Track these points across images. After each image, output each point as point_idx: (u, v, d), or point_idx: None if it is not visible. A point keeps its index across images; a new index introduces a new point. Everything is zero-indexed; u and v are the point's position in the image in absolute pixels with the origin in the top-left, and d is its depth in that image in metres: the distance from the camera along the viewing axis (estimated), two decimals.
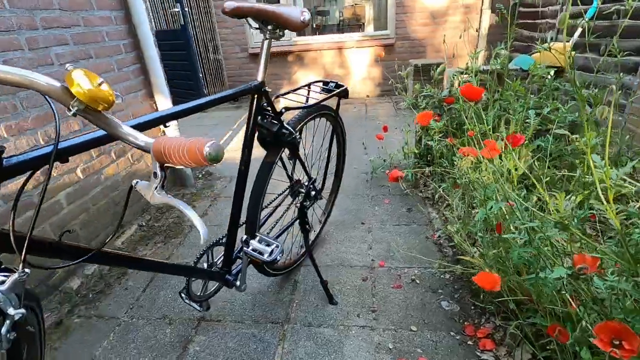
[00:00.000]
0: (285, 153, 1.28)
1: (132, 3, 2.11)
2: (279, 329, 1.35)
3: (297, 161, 1.32)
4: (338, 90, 1.38)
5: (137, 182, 0.60)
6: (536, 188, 1.53)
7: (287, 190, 1.43)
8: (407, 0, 4.29)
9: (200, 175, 2.78)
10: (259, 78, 1.01)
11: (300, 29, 0.99)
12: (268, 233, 1.47)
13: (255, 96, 1.02)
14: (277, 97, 1.24)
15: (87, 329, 1.43)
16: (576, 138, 1.61)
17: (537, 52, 2.16)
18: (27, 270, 0.56)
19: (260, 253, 1.06)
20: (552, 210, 0.87)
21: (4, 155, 0.54)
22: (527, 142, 1.49)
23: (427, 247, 1.74)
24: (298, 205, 1.40)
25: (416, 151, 2.37)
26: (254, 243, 1.09)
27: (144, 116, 0.75)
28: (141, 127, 0.73)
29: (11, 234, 0.56)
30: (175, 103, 3.61)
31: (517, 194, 1.12)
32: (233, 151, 3.27)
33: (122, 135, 0.55)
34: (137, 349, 1.32)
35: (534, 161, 1.56)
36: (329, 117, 1.48)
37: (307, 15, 1.00)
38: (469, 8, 4.27)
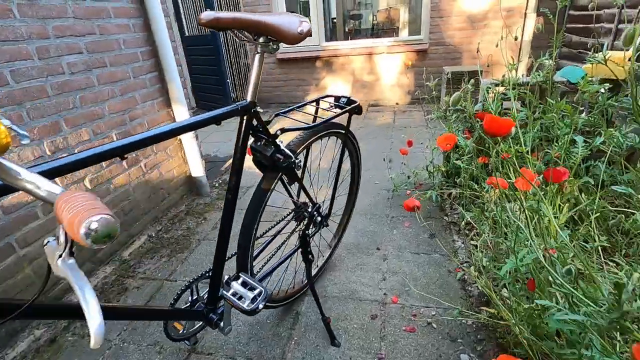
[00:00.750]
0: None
1: (152, 10, 2.08)
2: None
3: (299, 185, 1.19)
4: (349, 107, 1.22)
5: (48, 241, 0.49)
6: (581, 226, 1.29)
7: (290, 215, 1.30)
8: (443, 3, 4.04)
9: (216, 185, 2.72)
10: (248, 97, 0.89)
11: (298, 42, 0.85)
12: (268, 260, 1.35)
13: (245, 118, 0.89)
14: (278, 115, 1.11)
15: (78, 349, 1.38)
16: (635, 168, 1.35)
17: (589, 62, 1.89)
18: None
19: (241, 298, 0.93)
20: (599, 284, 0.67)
21: None
22: (571, 175, 1.26)
23: (448, 284, 1.54)
24: (300, 233, 1.26)
25: (443, 169, 2.16)
26: (235, 285, 0.96)
27: (93, 149, 0.64)
28: (87, 162, 0.62)
29: None
30: (202, 108, 3.60)
31: (555, 241, 0.92)
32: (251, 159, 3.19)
33: (23, 187, 0.43)
34: None
35: (580, 194, 1.32)
36: (340, 135, 1.33)
37: (305, 26, 0.86)
38: (512, 11, 3.94)
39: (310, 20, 4.54)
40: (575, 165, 1.24)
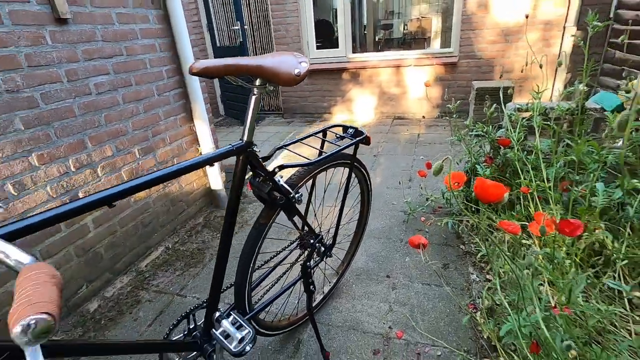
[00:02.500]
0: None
1: (177, 29, 2.16)
2: None
3: (299, 218, 1.18)
4: (355, 140, 1.20)
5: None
6: (606, 272, 1.19)
7: (293, 244, 1.29)
8: (475, 16, 3.91)
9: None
10: (245, 137, 0.89)
11: (295, 83, 0.84)
12: (269, 289, 1.34)
13: (240, 157, 0.90)
14: (282, 147, 1.11)
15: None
16: None
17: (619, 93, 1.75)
18: None
19: (228, 337, 0.93)
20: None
21: None
22: (597, 215, 1.16)
23: (458, 321, 1.47)
24: (301, 263, 1.25)
25: (463, 194, 2.07)
26: (225, 323, 0.96)
27: (83, 198, 0.66)
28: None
29: None
30: (230, 116, 3.62)
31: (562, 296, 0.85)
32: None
33: None
34: None
35: (604, 237, 1.22)
36: (345, 164, 1.31)
37: (303, 67, 0.85)
38: (550, 24, 3.75)
39: (337, 31, 4.55)
40: (597, 208, 1.14)
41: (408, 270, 1.81)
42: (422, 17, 6.50)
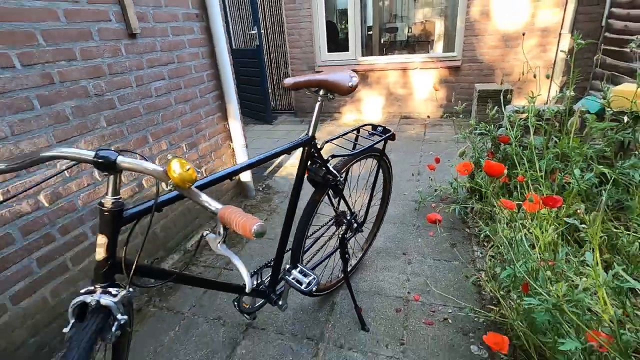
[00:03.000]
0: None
1: (216, 38, 2.44)
2: (313, 346, 1.51)
3: (341, 198, 1.48)
4: (385, 136, 1.50)
5: (207, 233, 0.80)
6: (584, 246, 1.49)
7: (331, 221, 1.59)
8: (478, 22, 4.20)
9: (260, 189, 3.07)
10: (310, 133, 1.19)
11: (349, 93, 1.14)
12: (312, 257, 1.64)
13: (306, 148, 1.19)
14: (328, 141, 1.41)
15: (159, 319, 1.73)
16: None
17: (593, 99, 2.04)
18: (131, 289, 0.80)
19: (299, 282, 1.24)
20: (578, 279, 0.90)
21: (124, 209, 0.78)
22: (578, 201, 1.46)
23: (465, 287, 1.77)
24: (339, 236, 1.55)
25: (467, 185, 2.37)
26: (294, 273, 1.26)
27: (217, 173, 0.96)
28: (215, 181, 0.94)
29: (122, 262, 0.80)
30: (245, 115, 3.88)
31: (544, 254, 1.15)
32: (291, 167, 3.53)
33: (201, 203, 0.75)
34: (195, 343, 1.57)
35: (586, 215, 1.52)
36: (375, 157, 1.61)
37: (355, 81, 1.15)
38: (547, 31, 4.04)
39: (342, 32, 4.83)
40: (573, 190, 1.44)
41: (421, 249, 2.11)
42: (426, 20, 6.79)
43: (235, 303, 1.33)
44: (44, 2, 1.42)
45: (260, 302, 1.39)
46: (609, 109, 1.93)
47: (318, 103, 1.17)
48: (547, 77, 1.81)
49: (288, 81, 1.05)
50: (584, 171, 1.62)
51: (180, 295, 1.88)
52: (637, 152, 1.59)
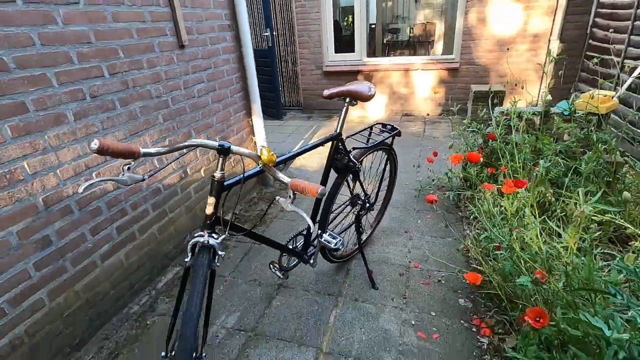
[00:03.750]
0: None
1: (245, 45, 2.81)
2: (333, 300, 1.90)
3: (358, 181, 1.86)
4: (393, 133, 1.88)
5: (278, 198, 1.18)
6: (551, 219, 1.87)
7: (349, 202, 1.97)
8: (475, 28, 4.56)
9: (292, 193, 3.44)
10: (338, 130, 1.57)
11: (368, 100, 1.52)
12: (332, 230, 2.03)
13: (334, 142, 1.57)
14: (349, 137, 1.78)
15: None
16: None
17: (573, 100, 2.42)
18: (226, 235, 1.18)
19: (329, 242, 1.62)
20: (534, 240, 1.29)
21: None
22: (536, 181, 1.84)
23: (456, 257, 2.16)
24: (355, 213, 1.93)
25: (461, 175, 2.75)
26: (325, 236, 1.65)
27: (282, 156, 1.34)
28: (283, 161, 1.31)
29: (221, 218, 1.18)
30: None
31: (508, 224, 1.53)
32: (304, 159, 3.90)
33: (278, 177, 1.12)
34: (238, 298, 1.96)
35: (549, 194, 1.90)
36: (385, 150, 1.99)
37: (373, 91, 1.53)
38: (538, 37, 4.40)
39: (354, 36, 5.19)
40: (537, 177, 1.82)
41: (420, 228, 2.50)
42: (427, 22, 7.13)
43: (272, 265, 1.72)
44: (123, 24, 1.78)
45: (294, 262, 1.77)
46: (578, 111, 2.32)
47: (345, 107, 1.54)
48: (522, 87, 2.18)
49: (326, 92, 1.43)
50: (552, 162, 2.00)
51: (220, 263, 2.26)
52: (594, 147, 1.97)
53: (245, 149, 1.11)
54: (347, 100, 1.53)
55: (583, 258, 1.13)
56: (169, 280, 2.15)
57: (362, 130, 1.86)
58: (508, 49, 2.49)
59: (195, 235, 1.16)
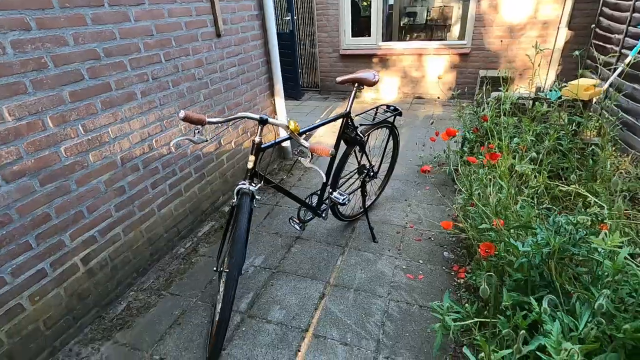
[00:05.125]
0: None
1: (270, 32, 3.18)
2: (341, 249, 2.34)
3: (364, 153, 2.25)
4: (395, 113, 2.25)
5: (300, 158, 1.59)
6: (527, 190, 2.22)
7: (356, 170, 2.38)
8: (487, 14, 4.75)
9: (296, 152, 3.86)
10: (348, 109, 1.96)
11: (373, 85, 1.89)
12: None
13: (344, 119, 1.96)
14: (357, 115, 2.16)
15: None
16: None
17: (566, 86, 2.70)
18: (262, 185, 1.61)
19: (337, 198, 2.05)
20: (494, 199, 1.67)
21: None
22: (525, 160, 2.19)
23: (446, 220, 2.55)
24: (361, 179, 2.34)
25: (459, 152, 3.10)
26: (335, 194, 2.07)
27: (303, 128, 1.74)
28: (304, 132, 1.72)
29: (258, 172, 1.60)
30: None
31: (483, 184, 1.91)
32: (320, 137, 4.29)
33: (300, 142, 1.53)
34: (263, 245, 2.42)
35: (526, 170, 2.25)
36: (388, 127, 2.37)
37: (377, 77, 1.90)
38: (547, 24, 4.57)
39: (370, 20, 5.43)
40: (507, 150, 2.16)
41: (419, 197, 2.89)
42: (445, 5, 7.23)
43: (292, 219, 2.15)
44: (176, 18, 2.18)
45: (310, 216, 2.20)
46: (564, 97, 2.62)
47: (354, 91, 1.93)
48: (540, 50, 2.49)
49: (338, 79, 1.82)
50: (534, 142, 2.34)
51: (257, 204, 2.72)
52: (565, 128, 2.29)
53: (278, 120, 1.52)
54: (356, 85, 1.91)
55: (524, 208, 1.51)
56: (206, 231, 2.62)
57: (368, 110, 2.24)
58: (502, 41, 2.77)
59: (239, 183, 1.60)
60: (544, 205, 1.73)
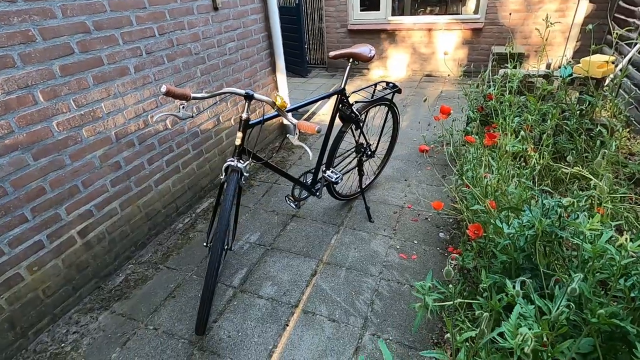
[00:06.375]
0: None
1: (270, 7, 3.08)
2: (336, 228, 2.34)
3: (361, 131, 2.21)
4: (393, 90, 2.18)
5: (288, 135, 1.57)
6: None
7: (353, 149, 2.34)
8: None
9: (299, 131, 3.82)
10: (342, 85, 1.90)
11: (368, 61, 1.82)
12: (340, 171, 2.42)
13: (339, 96, 1.91)
14: (354, 92, 2.11)
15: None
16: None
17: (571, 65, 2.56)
18: (250, 162, 1.60)
19: (330, 177, 2.03)
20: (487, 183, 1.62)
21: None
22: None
23: (445, 202, 2.51)
24: (357, 158, 2.30)
25: (463, 132, 3.01)
26: (328, 172, 2.05)
27: (291, 105, 1.71)
28: (293, 110, 1.68)
29: (246, 149, 1.59)
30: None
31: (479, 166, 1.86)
32: (323, 115, 4.23)
33: (287, 118, 1.50)
34: (259, 223, 2.44)
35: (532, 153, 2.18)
36: (386, 104, 2.30)
37: (372, 53, 1.83)
38: None
39: None
40: (510, 130, 2.09)
41: (419, 177, 2.84)
42: None
43: (287, 197, 2.14)
44: None
45: (305, 195, 2.20)
46: (576, 75, 2.50)
47: (349, 66, 1.86)
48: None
49: (331, 53, 1.75)
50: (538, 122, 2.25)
51: (246, 197, 2.74)
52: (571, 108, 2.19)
53: (264, 96, 1.49)
54: (351, 60, 1.84)
55: (516, 189, 1.46)
56: (204, 207, 2.66)
57: (367, 87, 2.18)
58: (510, 14, 2.62)
59: (228, 160, 1.59)
60: (540, 187, 1.68)
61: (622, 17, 3.77)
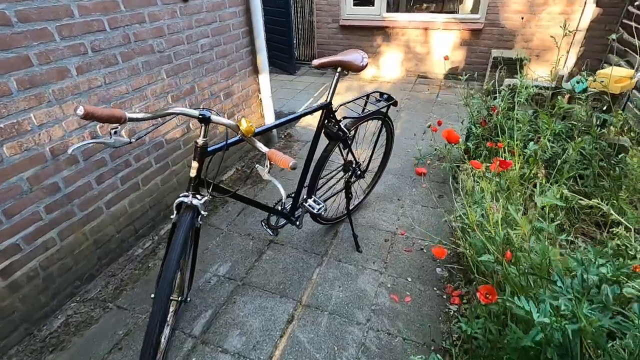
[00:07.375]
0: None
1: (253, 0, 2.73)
2: (319, 258, 2.04)
3: (349, 150, 1.90)
4: (389, 102, 1.87)
5: (257, 165, 1.25)
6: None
7: (340, 168, 2.03)
8: None
9: (283, 136, 3.50)
10: (328, 99, 1.58)
11: (360, 71, 1.51)
12: (323, 194, 2.11)
13: (324, 111, 1.59)
14: (342, 105, 1.79)
15: (204, 232, 2.28)
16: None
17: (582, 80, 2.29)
18: (209, 196, 1.28)
19: (312, 208, 1.71)
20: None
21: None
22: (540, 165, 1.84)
23: (442, 228, 2.24)
24: (345, 179, 2.00)
25: (463, 147, 2.73)
26: (309, 201, 1.74)
27: (261, 127, 1.39)
28: (261, 132, 1.37)
29: (205, 180, 1.26)
30: (270, 65, 3.97)
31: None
32: (311, 119, 3.90)
33: (257, 147, 1.18)
34: (231, 250, 2.12)
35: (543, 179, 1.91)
36: (380, 119, 2.00)
37: (365, 61, 1.51)
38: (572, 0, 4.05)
39: None
40: (527, 157, 1.81)
41: (413, 197, 2.56)
42: None
43: (263, 222, 1.83)
44: None
45: (283, 222, 1.89)
46: (591, 89, 2.23)
47: (336, 77, 1.54)
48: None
49: (315, 62, 1.43)
50: (552, 143, 1.98)
51: (218, 216, 2.42)
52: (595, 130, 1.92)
53: (225, 119, 1.17)
54: (339, 70, 1.52)
55: (536, 243, 1.18)
56: (170, 228, 2.32)
57: (357, 99, 1.87)
58: (522, 18, 2.34)
59: (181, 195, 1.27)
60: (564, 235, 1.40)
61: (634, 24, 3.52)
